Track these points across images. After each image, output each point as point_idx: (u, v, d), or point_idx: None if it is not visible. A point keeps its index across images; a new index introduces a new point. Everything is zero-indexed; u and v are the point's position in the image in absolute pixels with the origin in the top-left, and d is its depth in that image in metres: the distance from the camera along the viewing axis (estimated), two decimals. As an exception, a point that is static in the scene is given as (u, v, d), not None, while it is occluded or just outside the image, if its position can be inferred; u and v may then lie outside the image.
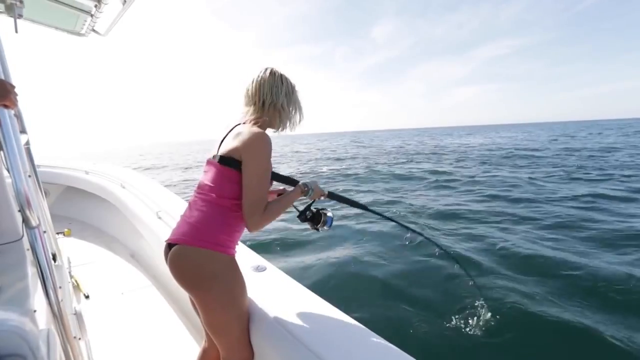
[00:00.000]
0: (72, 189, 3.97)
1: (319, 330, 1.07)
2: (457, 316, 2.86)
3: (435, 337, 2.66)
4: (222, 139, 1.17)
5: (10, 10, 1.36)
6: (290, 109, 1.18)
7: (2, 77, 1.03)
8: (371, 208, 1.47)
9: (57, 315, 0.86)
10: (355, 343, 1.01)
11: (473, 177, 10.77)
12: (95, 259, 2.89)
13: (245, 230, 1.14)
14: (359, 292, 3.44)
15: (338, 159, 20.61)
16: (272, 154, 1.11)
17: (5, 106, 0.84)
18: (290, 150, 34.56)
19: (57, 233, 3.02)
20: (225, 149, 1.10)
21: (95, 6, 1.63)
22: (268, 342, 1.10)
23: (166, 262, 1.13)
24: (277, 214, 1.12)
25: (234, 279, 1.11)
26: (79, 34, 1.94)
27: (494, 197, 7.65)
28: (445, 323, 2.80)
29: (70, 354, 0.93)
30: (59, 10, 1.65)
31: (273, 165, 1.14)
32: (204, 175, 1.18)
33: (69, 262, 2.18)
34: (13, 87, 0.91)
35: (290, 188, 1.25)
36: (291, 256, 4.48)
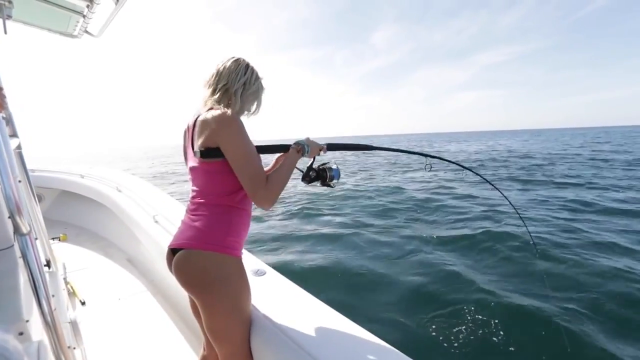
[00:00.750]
0: (68, 193, 3.92)
1: (321, 336, 1.04)
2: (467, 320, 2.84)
3: (446, 342, 2.62)
4: (190, 135, 1.12)
5: None
6: (243, 97, 1.12)
7: None
8: (376, 146, 1.41)
9: (50, 324, 0.82)
10: (359, 349, 0.98)
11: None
12: (91, 264, 2.85)
13: (251, 228, 1.12)
14: (363, 297, 3.38)
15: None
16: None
17: None
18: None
19: (52, 238, 2.97)
20: (199, 142, 1.06)
21: (88, 6, 1.59)
22: (269, 348, 1.07)
23: (169, 267, 1.11)
24: (283, 182, 1.09)
25: (242, 283, 1.09)
26: (71, 36, 1.90)
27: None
28: (454, 328, 2.76)
29: None
30: (49, 11, 1.62)
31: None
32: (192, 183, 1.15)
33: (65, 268, 2.15)
34: (1, 89, 0.88)
35: None
36: (291, 258, 4.45)
